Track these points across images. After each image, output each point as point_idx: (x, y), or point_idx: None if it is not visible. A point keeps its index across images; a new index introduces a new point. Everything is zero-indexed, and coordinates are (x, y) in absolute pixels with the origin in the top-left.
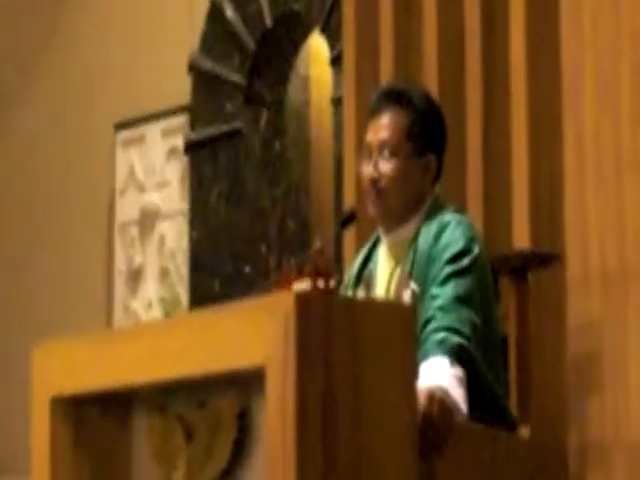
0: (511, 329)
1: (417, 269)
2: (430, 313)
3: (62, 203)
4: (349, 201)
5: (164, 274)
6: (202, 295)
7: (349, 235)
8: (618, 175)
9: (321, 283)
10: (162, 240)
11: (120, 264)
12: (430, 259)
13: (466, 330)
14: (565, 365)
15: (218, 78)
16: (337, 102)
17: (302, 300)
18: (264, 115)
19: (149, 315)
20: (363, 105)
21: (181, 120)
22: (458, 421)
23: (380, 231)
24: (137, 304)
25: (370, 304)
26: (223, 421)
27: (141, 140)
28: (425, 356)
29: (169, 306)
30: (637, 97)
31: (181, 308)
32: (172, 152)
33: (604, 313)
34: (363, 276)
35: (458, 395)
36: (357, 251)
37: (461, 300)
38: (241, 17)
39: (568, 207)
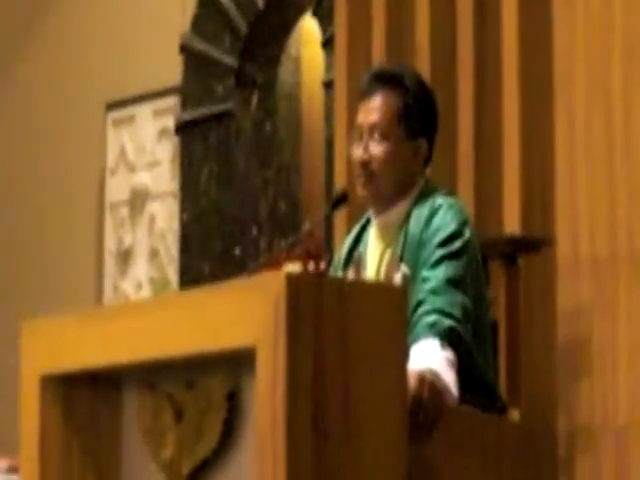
0: (501, 314)
1: (408, 252)
2: (421, 296)
3: (53, 183)
4: (340, 183)
5: (154, 255)
6: (192, 276)
7: (340, 216)
8: (609, 160)
9: (311, 265)
10: (152, 220)
11: (110, 244)
12: (421, 242)
13: (457, 313)
14: (555, 350)
15: (209, 59)
16: (328, 85)
17: (292, 281)
18: (255, 96)
19: (139, 296)
20: (354, 87)
21: (172, 101)
22: (448, 404)
23: (370, 213)
24: (127, 285)
25: (361, 285)
26: (213, 401)
27: (132, 120)
28: (416, 338)
29: (159, 287)
30: (629, 82)
31: (171, 289)
32: (163, 132)
33: (594, 298)
34: (353, 257)
35: (449, 378)
36: (348, 232)
37: (452, 283)
38: None
39: (559, 192)
